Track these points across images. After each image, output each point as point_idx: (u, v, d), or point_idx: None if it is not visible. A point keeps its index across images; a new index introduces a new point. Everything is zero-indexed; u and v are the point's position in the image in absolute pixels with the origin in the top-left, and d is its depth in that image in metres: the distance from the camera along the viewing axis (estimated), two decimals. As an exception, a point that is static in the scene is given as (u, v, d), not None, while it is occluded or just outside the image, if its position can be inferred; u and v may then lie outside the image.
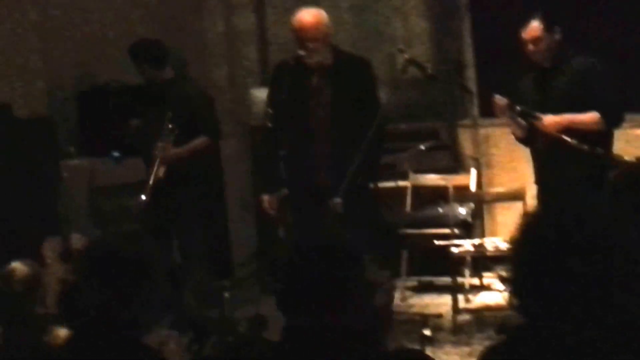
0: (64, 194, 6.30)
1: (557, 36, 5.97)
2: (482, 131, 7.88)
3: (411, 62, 6.92)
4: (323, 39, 5.87)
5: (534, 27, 5.99)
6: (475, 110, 8.03)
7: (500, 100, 6.05)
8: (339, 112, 5.88)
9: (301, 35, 5.88)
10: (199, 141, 6.60)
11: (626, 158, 5.90)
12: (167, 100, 6.58)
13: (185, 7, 8.73)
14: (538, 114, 5.92)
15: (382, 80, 7.05)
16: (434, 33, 8.16)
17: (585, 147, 5.79)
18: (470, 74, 8.21)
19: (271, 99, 6.03)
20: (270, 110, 5.97)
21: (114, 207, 6.79)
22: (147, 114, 6.67)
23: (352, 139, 5.70)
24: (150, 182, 6.41)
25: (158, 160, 6.42)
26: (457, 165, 7.81)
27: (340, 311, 2.75)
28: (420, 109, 7.95)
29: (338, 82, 5.91)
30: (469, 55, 8.24)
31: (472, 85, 8.10)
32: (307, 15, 5.89)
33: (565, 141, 5.83)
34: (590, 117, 5.86)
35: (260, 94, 7.93)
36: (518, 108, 5.99)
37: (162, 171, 6.42)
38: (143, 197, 6.36)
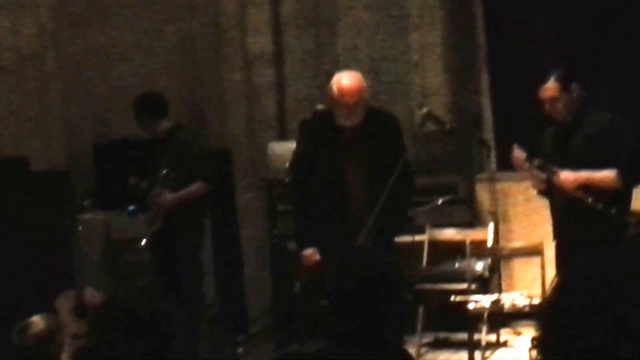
0: (80, 248, 6.30)
1: (575, 94, 5.95)
2: (500, 185, 7.85)
3: (429, 116, 6.95)
4: (361, 104, 5.87)
5: (550, 87, 5.97)
6: (493, 164, 8.01)
7: (518, 152, 6.04)
8: (372, 170, 5.86)
9: (344, 101, 5.81)
10: (195, 186, 6.84)
11: (644, 215, 5.89)
12: (165, 148, 6.86)
13: (204, 60, 8.81)
14: (555, 169, 5.90)
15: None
16: (452, 87, 8.19)
17: (600, 205, 5.75)
18: (488, 127, 8.22)
19: (299, 154, 6.00)
20: (290, 165, 5.98)
21: (129, 261, 6.81)
22: (153, 164, 6.84)
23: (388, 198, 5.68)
24: (150, 227, 6.54)
25: (155, 206, 6.58)
26: (474, 220, 7.78)
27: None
28: (438, 163, 7.94)
29: (370, 139, 5.89)
30: (487, 109, 8.25)
31: (490, 139, 8.10)
32: (350, 81, 5.86)
33: (581, 198, 5.80)
34: (607, 174, 5.82)
35: (278, 147, 7.96)
36: (536, 161, 5.97)
37: (160, 216, 6.57)
38: (143, 242, 6.47)
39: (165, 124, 7.02)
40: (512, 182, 7.59)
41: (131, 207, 6.97)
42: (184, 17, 8.86)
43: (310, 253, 5.95)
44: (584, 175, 5.85)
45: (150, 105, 7.00)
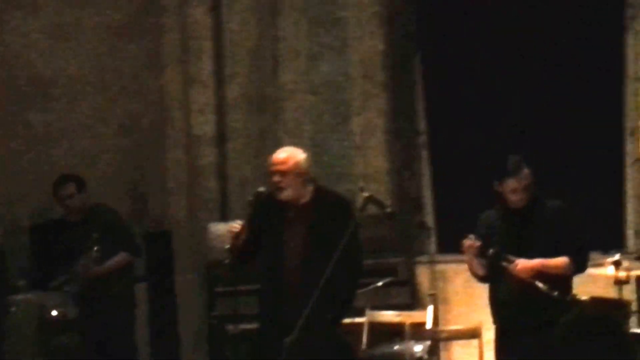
0: (12, 328, 6.20)
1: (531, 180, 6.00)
2: (439, 268, 7.89)
3: (370, 200, 6.94)
4: (292, 177, 5.88)
5: (526, 175, 5.95)
6: (432, 247, 8.05)
7: (473, 242, 5.98)
8: (311, 249, 5.85)
9: (271, 170, 5.94)
10: (119, 257, 7.11)
11: (582, 298, 5.93)
12: (90, 224, 7.09)
13: (147, 140, 8.80)
14: (511, 257, 5.87)
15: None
16: (393, 171, 8.25)
17: (555, 293, 5.78)
18: (428, 210, 8.28)
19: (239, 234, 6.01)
20: (227, 246, 5.97)
21: (62, 342, 6.71)
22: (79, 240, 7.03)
23: (326, 280, 5.63)
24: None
25: (80, 277, 6.66)
26: (414, 302, 7.79)
27: None
28: (378, 246, 7.95)
29: (314, 219, 5.90)
30: (427, 193, 8.32)
31: (430, 221, 8.15)
32: (282, 152, 5.98)
33: (537, 287, 5.79)
34: (562, 262, 5.88)
35: (219, 228, 7.93)
36: (491, 251, 5.91)
37: (79, 284, 6.62)
38: (54, 312, 6.52)
39: (86, 203, 7.20)
40: (452, 264, 7.63)
41: (67, 288, 6.91)
42: (128, 97, 8.87)
43: None
44: (540, 262, 5.86)
45: (75, 185, 7.13)
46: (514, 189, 5.91)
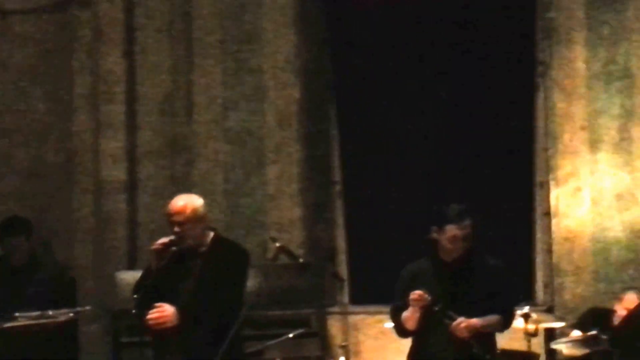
0: None
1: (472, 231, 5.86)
2: (352, 319, 7.82)
3: (283, 250, 6.87)
4: (191, 224, 5.80)
5: (469, 224, 5.74)
6: (345, 298, 8.00)
7: (423, 297, 5.66)
8: (203, 297, 5.75)
9: (169, 220, 5.84)
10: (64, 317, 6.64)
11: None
12: (28, 274, 6.72)
13: (55, 186, 8.60)
14: (454, 315, 5.71)
15: (254, 266, 6.97)
16: (307, 221, 8.21)
17: (488, 357, 5.69)
18: (342, 261, 8.23)
19: (140, 283, 5.89)
20: (136, 296, 5.83)
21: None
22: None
23: (211, 331, 5.57)
24: None
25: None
26: (325, 354, 7.71)
27: None
28: (290, 296, 7.87)
29: (208, 267, 5.81)
30: (341, 243, 8.28)
31: (343, 272, 8.10)
32: (178, 201, 5.86)
33: (472, 346, 5.67)
34: (496, 320, 5.77)
35: (127, 276, 7.75)
36: (438, 307, 5.73)
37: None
38: None
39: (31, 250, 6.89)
40: (364, 316, 7.57)
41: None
42: (36, 142, 8.68)
43: None
44: (479, 321, 5.68)
45: (23, 228, 6.83)
46: (454, 236, 5.68)
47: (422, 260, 5.91)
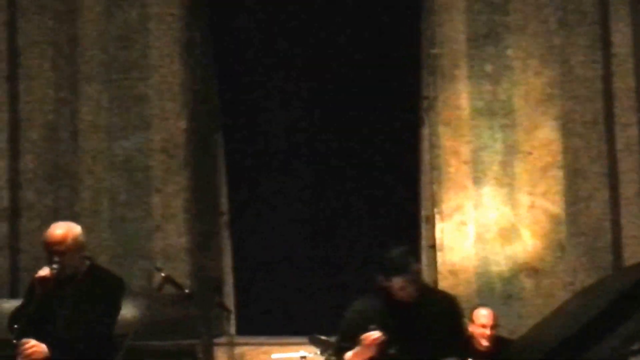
0: None
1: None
2: (239, 350, 7.58)
3: (168, 280, 6.64)
4: (71, 253, 5.57)
5: (415, 269, 5.41)
6: (232, 329, 7.75)
7: (378, 336, 5.28)
8: (76, 325, 5.49)
9: (49, 249, 5.57)
10: None
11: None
12: None
13: None
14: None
15: (138, 296, 6.69)
16: (193, 251, 7.92)
17: None
18: (229, 291, 7.97)
19: (20, 312, 5.59)
20: (16, 326, 5.53)
21: None
22: None
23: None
24: None
25: None
26: (212, 386, 7.43)
27: None
28: (176, 326, 7.57)
29: (82, 295, 5.58)
30: (227, 273, 8.02)
31: (230, 303, 7.86)
32: (56, 229, 5.59)
33: None
34: None
35: (8, 305, 7.37)
36: (393, 348, 5.37)
37: None
38: None
39: None
40: (251, 347, 7.34)
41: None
42: None
43: None
44: None
45: None
46: (402, 286, 5.34)
47: (369, 299, 5.51)
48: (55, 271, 5.54)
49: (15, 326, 5.57)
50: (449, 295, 5.71)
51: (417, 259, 5.63)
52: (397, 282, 5.39)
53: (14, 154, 8.17)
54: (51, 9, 8.23)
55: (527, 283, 7.56)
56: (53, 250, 5.54)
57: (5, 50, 8.23)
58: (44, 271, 5.57)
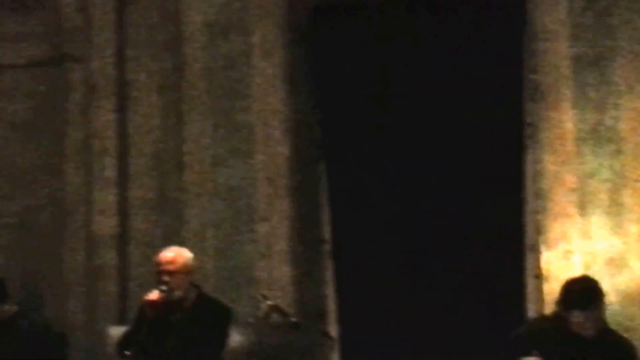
0: None
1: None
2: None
3: (274, 308, 6.64)
4: (180, 275, 5.59)
5: (597, 306, 5.28)
6: (336, 357, 7.65)
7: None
8: (184, 353, 5.46)
9: (159, 269, 5.68)
10: None
11: None
12: (11, 334, 6.41)
13: (44, 238, 8.24)
14: None
15: (245, 325, 6.70)
16: (297, 279, 7.83)
17: None
18: (332, 320, 7.86)
19: (130, 338, 5.63)
20: (127, 353, 5.57)
21: None
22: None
23: None
24: None
25: None
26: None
27: None
28: (282, 355, 7.52)
29: (193, 323, 5.56)
30: (331, 302, 7.91)
31: (333, 331, 7.74)
32: (168, 251, 5.79)
33: None
34: None
35: (118, 332, 7.42)
36: None
37: None
38: None
39: (7, 309, 6.41)
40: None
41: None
42: (27, 194, 8.34)
43: None
44: None
45: None
46: (580, 322, 5.17)
47: (547, 321, 5.37)
48: (164, 293, 5.56)
49: (127, 352, 5.60)
50: (628, 341, 5.42)
51: (601, 295, 5.23)
52: (575, 316, 5.17)
53: (122, 182, 8.23)
54: (158, 40, 8.29)
55: (636, 314, 7.29)
56: (163, 270, 5.62)
57: (114, 81, 8.31)
58: (153, 294, 5.60)
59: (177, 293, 5.67)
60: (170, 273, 5.63)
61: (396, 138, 7.89)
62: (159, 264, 5.67)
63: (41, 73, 8.47)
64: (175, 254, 5.70)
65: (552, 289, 7.41)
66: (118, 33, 8.34)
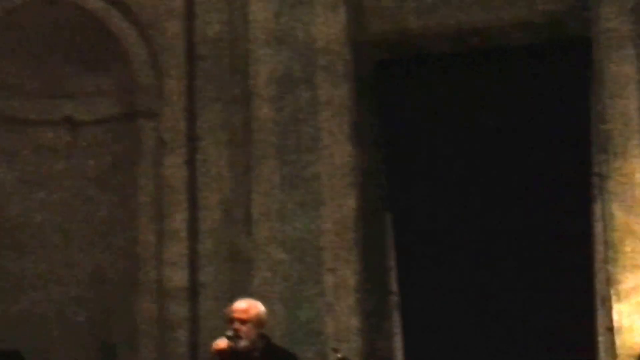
0: None
1: None
2: None
3: (344, 360, 6.54)
4: (251, 325, 5.54)
5: None
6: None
7: None
8: None
9: (231, 317, 5.70)
10: None
11: None
12: None
13: (116, 290, 8.27)
14: None
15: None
16: (365, 330, 7.73)
17: None
18: (399, 373, 7.76)
19: None
20: None
21: None
22: None
23: None
24: None
25: None
26: None
27: None
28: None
29: None
30: (399, 354, 7.80)
31: (401, 384, 7.63)
32: (242, 302, 5.78)
33: None
34: None
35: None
36: None
37: None
38: None
39: None
40: None
41: None
42: (99, 247, 8.39)
43: None
44: None
45: None
46: None
47: None
48: (231, 340, 5.54)
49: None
50: None
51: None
52: None
53: (192, 235, 8.25)
54: (227, 94, 8.33)
55: None
56: (235, 318, 5.62)
57: (185, 135, 8.36)
58: (222, 342, 5.59)
59: (245, 343, 5.62)
60: (241, 321, 5.60)
61: (462, 188, 7.79)
62: (231, 312, 5.68)
63: (115, 128, 8.55)
64: (249, 305, 5.71)
65: (625, 342, 7.21)
66: (188, 88, 8.41)
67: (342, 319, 7.75)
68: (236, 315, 5.66)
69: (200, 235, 8.22)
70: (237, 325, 5.63)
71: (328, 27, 8.11)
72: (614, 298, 7.26)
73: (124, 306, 8.25)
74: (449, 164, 7.84)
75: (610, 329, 7.29)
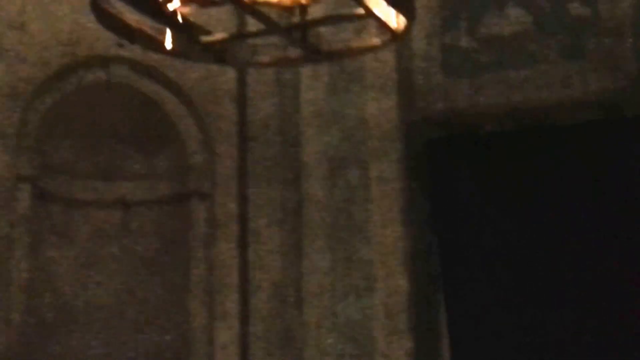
0: None
1: None
2: None
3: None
4: None
5: None
6: None
7: None
8: None
9: None
10: None
11: None
12: None
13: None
14: None
15: None
16: (414, 353, 7.46)
17: None
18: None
19: None
20: None
21: None
22: None
23: None
24: None
25: None
26: None
27: None
28: None
29: None
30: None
31: None
32: None
33: None
34: None
35: None
36: None
37: None
38: None
39: None
40: None
41: None
42: (153, 329, 8.27)
43: None
44: None
45: None
46: None
47: None
48: None
49: None
50: None
51: None
52: None
53: (244, 317, 8.08)
54: (278, 174, 8.21)
55: None
56: None
57: (236, 216, 8.25)
58: None
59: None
60: None
61: (517, 268, 7.48)
62: None
63: (167, 209, 8.48)
64: None
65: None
66: (240, 168, 8.31)
67: (394, 341, 7.47)
68: None
69: (251, 317, 8.05)
70: None
71: (379, 107, 7.96)
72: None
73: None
74: (503, 243, 7.56)
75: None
